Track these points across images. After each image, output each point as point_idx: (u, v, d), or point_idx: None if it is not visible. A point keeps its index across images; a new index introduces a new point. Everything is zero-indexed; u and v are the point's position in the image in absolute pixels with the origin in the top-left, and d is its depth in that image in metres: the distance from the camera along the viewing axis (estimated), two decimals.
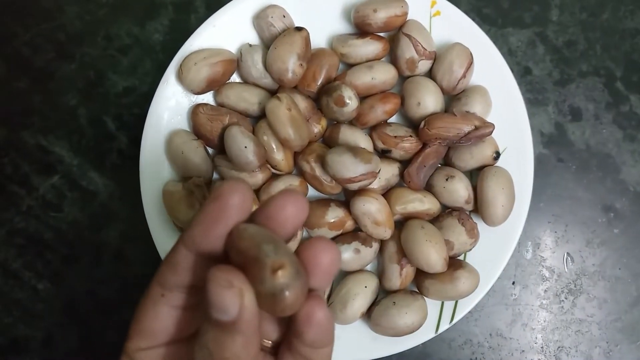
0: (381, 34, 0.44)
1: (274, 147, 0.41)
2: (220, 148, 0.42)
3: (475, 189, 0.43)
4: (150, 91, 0.44)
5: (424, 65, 0.43)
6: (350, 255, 0.41)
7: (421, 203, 0.42)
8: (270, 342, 0.23)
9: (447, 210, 0.43)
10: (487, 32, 0.43)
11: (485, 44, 0.43)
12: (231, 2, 0.43)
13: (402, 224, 0.42)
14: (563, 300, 0.46)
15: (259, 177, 0.42)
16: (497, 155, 0.42)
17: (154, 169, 0.42)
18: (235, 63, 0.43)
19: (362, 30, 0.43)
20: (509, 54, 0.48)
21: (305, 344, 0.21)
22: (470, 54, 0.42)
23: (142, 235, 0.44)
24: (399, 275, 0.41)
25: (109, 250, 0.46)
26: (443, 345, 0.46)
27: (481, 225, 0.42)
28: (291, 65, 0.40)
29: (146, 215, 0.42)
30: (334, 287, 0.42)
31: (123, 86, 0.47)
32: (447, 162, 0.44)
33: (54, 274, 0.46)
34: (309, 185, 0.42)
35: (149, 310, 0.23)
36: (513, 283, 0.46)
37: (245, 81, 0.44)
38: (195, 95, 0.43)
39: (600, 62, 0.48)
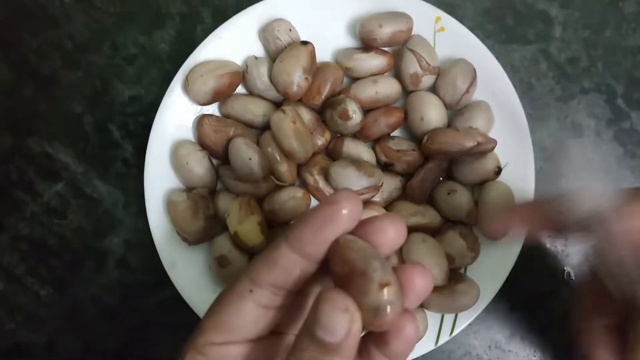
0: (386, 49, 0.44)
1: (278, 158, 0.41)
2: (224, 159, 0.43)
3: (476, 203, 0.43)
4: (155, 100, 0.44)
5: (427, 80, 0.43)
6: None
7: (423, 217, 0.42)
8: None
9: (449, 224, 0.43)
10: (491, 48, 0.44)
11: (488, 60, 0.44)
12: (238, 14, 0.44)
13: None
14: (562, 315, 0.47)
15: (263, 188, 0.42)
16: (499, 170, 0.43)
17: (159, 178, 0.43)
18: (241, 75, 0.43)
19: (367, 44, 0.44)
20: (512, 70, 0.48)
21: (386, 354, 0.22)
22: (474, 69, 0.43)
23: (145, 244, 0.45)
24: None
25: (113, 257, 0.46)
26: (443, 357, 0.46)
27: (482, 239, 0.43)
28: (296, 78, 0.41)
29: (150, 223, 0.42)
30: None
31: (129, 95, 0.47)
32: (449, 176, 0.44)
33: (57, 280, 0.46)
34: (311, 197, 0.43)
35: (232, 304, 0.23)
36: None
37: (251, 93, 0.44)
38: (201, 106, 0.43)
39: (602, 79, 0.48)
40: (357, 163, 0.40)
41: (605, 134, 0.48)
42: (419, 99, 0.43)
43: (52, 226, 0.47)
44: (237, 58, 0.44)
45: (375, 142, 0.44)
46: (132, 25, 0.48)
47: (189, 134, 0.43)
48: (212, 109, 0.44)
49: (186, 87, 0.42)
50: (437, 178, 0.43)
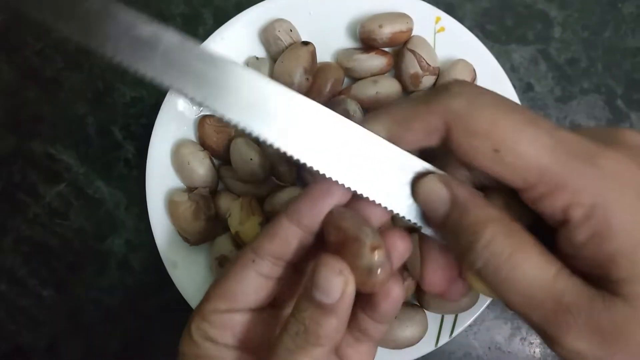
0: (386, 49, 0.44)
1: (279, 159, 0.41)
2: (226, 159, 0.43)
3: None
4: (157, 102, 0.44)
5: (427, 81, 0.44)
6: None
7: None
8: None
9: None
10: (491, 49, 0.44)
11: (488, 60, 0.44)
12: (239, 15, 0.44)
13: None
14: None
15: (264, 189, 0.42)
16: None
17: (160, 178, 0.43)
18: None
19: (367, 45, 0.44)
20: (512, 71, 0.48)
21: (373, 317, 0.25)
22: (474, 69, 0.43)
23: (147, 245, 0.45)
24: None
25: (114, 258, 0.47)
26: (443, 358, 0.46)
27: None
28: (297, 78, 0.41)
29: (151, 225, 0.42)
30: None
31: (131, 96, 0.48)
32: None
33: (59, 282, 0.46)
34: None
35: (237, 273, 0.26)
36: None
37: None
38: (202, 107, 0.44)
39: (602, 79, 0.49)
40: None
41: None
42: None
43: (54, 228, 0.47)
44: (239, 59, 0.44)
45: None
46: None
47: (190, 135, 0.44)
48: None
49: None
50: None
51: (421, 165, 0.23)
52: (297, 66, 0.41)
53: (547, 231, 0.21)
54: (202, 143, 0.43)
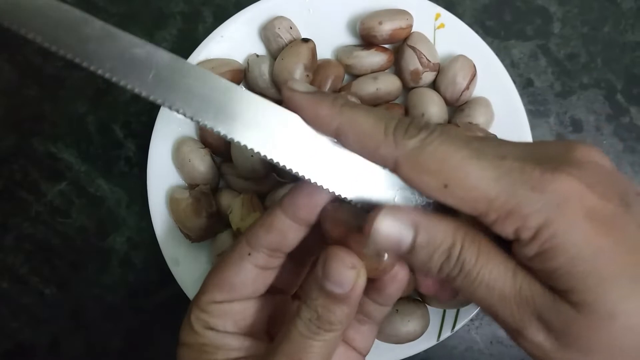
0: (386, 46, 0.44)
1: None
2: (227, 156, 0.43)
3: None
4: None
5: (428, 77, 0.44)
6: None
7: None
8: None
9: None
10: (490, 44, 0.44)
11: (488, 56, 0.44)
12: (239, 12, 0.44)
13: None
14: None
15: (265, 185, 0.42)
16: None
17: (161, 176, 0.43)
18: (243, 73, 0.43)
19: (367, 42, 0.44)
20: (512, 66, 0.48)
21: (378, 300, 0.26)
22: (474, 65, 0.43)
23: (148, 242, 0.45)
24: None
25: (116, 256, 0.47)
26: (445, 353, 0.46)
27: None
28: (297, 75, 0.41)
29: (153, 222, 0.43)
30: None
31: (131, 94, 0.48)
32: None
33: (61, 280, 0.47)
34: None
35: (233, 265, 0.26)
36: None
37: (252, 91, 0.44)
38: None
39: (601, 74, 0.49)
40: None
41: (605, 129, 0.48)
42: (419, 95, 0.43)
43: (56, 226, 0.47)
44: (239, 56, 0.44)
45: None
46: (134, 25, 0.49)
47: (191, 132, 0.44)
48: None
49: None
50: None
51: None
52: (297, 63, 0.41)
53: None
54: (203, 140, 0.43)
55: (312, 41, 0.42)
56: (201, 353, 0.27)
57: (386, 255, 0.23)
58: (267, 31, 0.43)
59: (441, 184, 0.22)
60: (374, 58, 0.43)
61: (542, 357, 0.22)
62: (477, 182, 0.21)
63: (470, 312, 0.43)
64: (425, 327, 0.42)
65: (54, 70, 0.48)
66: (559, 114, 0.48)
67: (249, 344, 0.27)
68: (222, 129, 0.23)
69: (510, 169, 0.21)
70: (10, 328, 0.46)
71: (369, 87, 0.43)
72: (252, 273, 0.26)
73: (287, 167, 0.23)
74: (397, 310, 0.41)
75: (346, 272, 0.23)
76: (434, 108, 0.43)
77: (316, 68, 0.43)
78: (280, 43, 0.43)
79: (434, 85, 0.44)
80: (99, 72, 0.23)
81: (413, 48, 0.43)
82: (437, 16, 0.44)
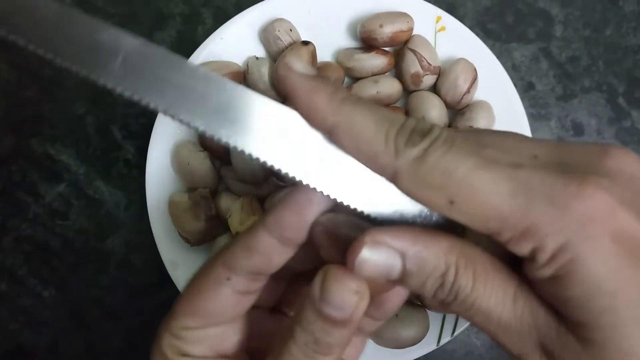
0: (387, 49, 0.44)
1: None
2: (226, 159, 0.43)
3: None
4: None
5: (428, 80, 0.43)
6: None
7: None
8: None
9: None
10: (492, 47, 0.44)
11: (489, 59, 0.44)
12: (238, 14, 0.44)
13: None
14: None
15: (264, 189, 0.42)
16: None
17: (160, 179, 0.43)
18: (242, 76, 0.43)
19: (368, 44, 0.44)
20: (513, 69, 0.48)
21: (375, 315, 0.24)
22: (475, 69, 0.43)
23: (147, 245, 0.45)
24: None
25: (115, 258, 0.47)
26: (444, 357, 0.46)
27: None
28: None
29: (151, 225, 0.42)
30: None
31: None
32: None
33: (59, 281, 0.46)
34: None
35: (209, 291, 0.23)
36: None
37: None
38: None
39: (603, 78, 0.48)
40: None
41: (606, 133, 0.48)
42: (420, 99, 0.43)
43: (55, 227, 0.47)
44: (238, 58, 0.44)
45: None
46: (133, 26, 0.48)
47: (190, 135, 0.43)
48: None
49: None
50: None
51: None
52: None
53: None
54: (202, 143, 0.43)
55: (312, 44, 0.42)
56: None
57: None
58: (267, 33, 0.43)
59: (447, 199, 0.19)
60: (375, 61, 0.43)
61: None
62: (487, 197, 0.18)
63: None
64: (425, 331, 0.41)
65: (52, 71, 0.48)
66: (560, 118, 0.48)
67: None
68: (201, 125, 0.20)
69: (527, 180, 0.18)
70: (9, 329, 0.46)
71: (370, 90, 0.43)
72: (231, 299, 0.23)
73: (283, 171, 0.20)
74: (397, 315, 0.41)
75: (348, 296, 0.20)
76: (434, 112, 0.43)
77: (316, 71, 0.43)
78: (280, 45, 0.43)
79: (434, 89, 0.44)
80: (55, 59, 0.20)
81: (414, 51, 0.43)
82: (438, 19, 0.44)
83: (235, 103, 0.20)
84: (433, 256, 0.20)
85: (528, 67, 0.48)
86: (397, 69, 0.44)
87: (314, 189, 0.21)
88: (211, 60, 0.43)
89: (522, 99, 0.44)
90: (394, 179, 0.20)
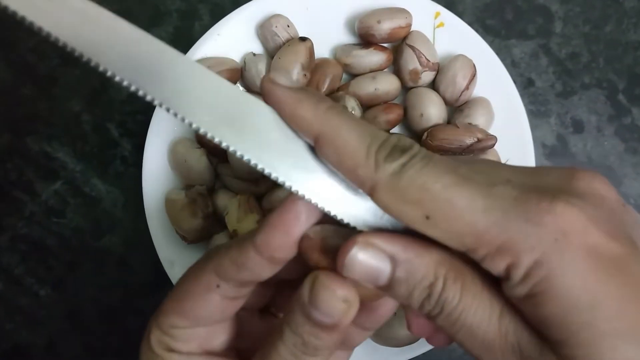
0: (385, 45, 0.44)
1: None
2: (223, 157, 0.42)
3: None
4: None
5: (427, 77, 0.43)
6: None
7: None
8: None
9: None
10: (491, 44, 0.44)
11: (488, 56, 0.44)
12: (235, 10, 0.43)
13: None
14: None
15: (262, 187, 0.42)
16: None
17: (157, 176, 0.43)
18: (239, 72, 0.43)
19: (366, 41, 0.43)
20: (512, 66, 0.48)
21: (364, 324, 0.24)
22: (474, 65, 0.43)
23: (144, 243, 0.44)
24: None
25: (112, 257, 0.46)
26: (443, 356, 0.46)
27: None
28: (295, 75, 0.41)
29: (148, 222, 0.42)
30: None
31: (127, 93, 0.47)
32: None
33: (56, 281, 0.46)
34: None
35: (199, 295, 0.24)
36: None
37: (249, 90, 0.44)
38: None
39: (603, 74, 0.48)
40: None
41: (606, 130, 0.48)
42: (418, 95, 0.43)
43: (51, 226, 0.46)
44: (235, 55, 0.43)
45: None
46: (130, 23, 0.48)
47: (187, 132, 0.43)
48: None
49: None
50: None
51: None
52: (294, 62, 0.41)
53: None
54: (199, 140, 0.42)
55: (310, 40, 0.42)
56: None
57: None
58: (264, 29, 0.43)
59: (422, 214, 0.19)
60: (373, 57, 0.43)
61: None
62: (463, 213, 0.19)
63: None
64: None
65: (48, 69, 0.48)
66: (560, 115, 0.48)
67: None
68: (197, 122, 0.20)
69: (501, 198, 0.19)
70: (6, 329, 0.46)
71: (368, 86, 0.42)
72: (220, 304, 0.24)
73: (273, 175, 0.20)
74: (395, 313, 0.41)
75: (336, 304, 0.20)
76: (433, 108, 0.42)
77: (314, 67, 0.42)
78: (278, 42, 0.43)
79: (433, 85, 0.44)
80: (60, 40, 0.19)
81: (412, 47, 0.42)
82: (437, 15, 0.44)
83: (231, 104, 0.20)
84: (423, 265, 0.20)
85: (528, 63, 0.48)
86: (395, 66, 0.44)
87: (303, 196, 0.21)
88: (208, 56, 0.43)
89: (521, 95, 0.43)
90: (372, 192, 0.20)
